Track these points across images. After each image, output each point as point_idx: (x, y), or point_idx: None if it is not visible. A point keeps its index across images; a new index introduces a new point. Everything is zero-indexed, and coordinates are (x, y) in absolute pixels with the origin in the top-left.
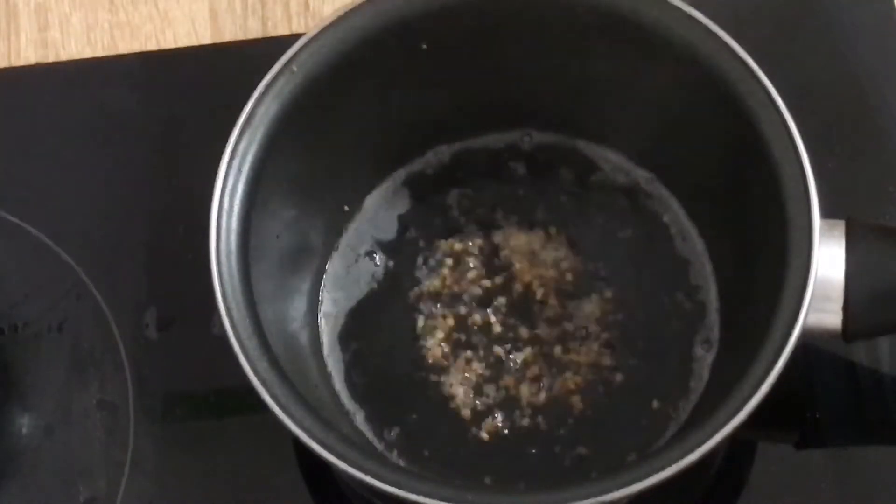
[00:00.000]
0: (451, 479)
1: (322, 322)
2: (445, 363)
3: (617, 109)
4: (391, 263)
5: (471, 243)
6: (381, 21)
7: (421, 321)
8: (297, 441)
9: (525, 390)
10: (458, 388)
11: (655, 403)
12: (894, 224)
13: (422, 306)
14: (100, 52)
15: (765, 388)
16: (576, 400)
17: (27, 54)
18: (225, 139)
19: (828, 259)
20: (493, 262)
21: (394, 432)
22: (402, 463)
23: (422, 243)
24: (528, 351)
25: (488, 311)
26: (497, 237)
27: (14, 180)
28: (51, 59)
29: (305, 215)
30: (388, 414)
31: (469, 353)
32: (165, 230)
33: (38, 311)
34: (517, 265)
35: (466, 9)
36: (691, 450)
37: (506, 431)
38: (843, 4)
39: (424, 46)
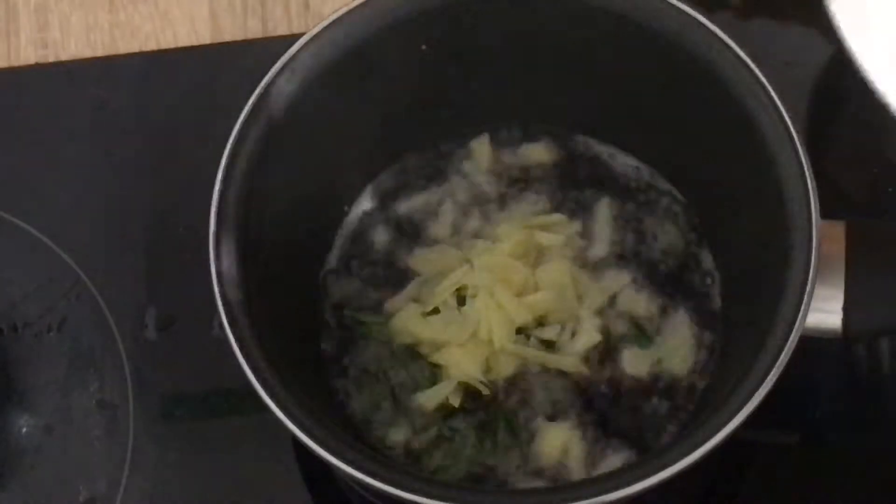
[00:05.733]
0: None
1: (322, 321)
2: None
3: (618, 108)
4: (391, 261)
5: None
6: (381, 21)
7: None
8: (297, 441)
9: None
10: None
11: (655, 403)
12: (894, 224)
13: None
14: (100, 52)
15: (765, 389)
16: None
17: (27, 54)
18: (225, 139)
19: (828, 259)
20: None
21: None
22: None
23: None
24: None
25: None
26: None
27: (14, 180)
28: (51, 59)
29: (305, 214)
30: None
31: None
32: (165, 230)
33: (38, 311)
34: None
35: (466, 9)
36: (691, 450)
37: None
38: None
39: (424, 46)
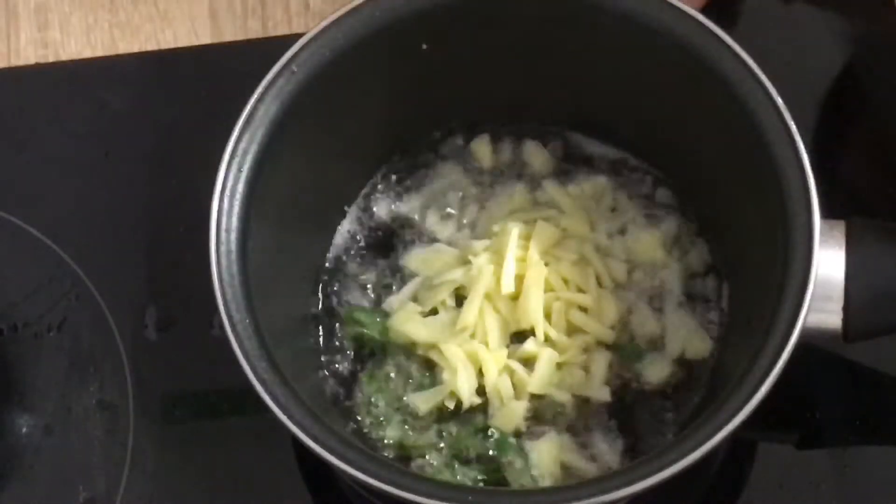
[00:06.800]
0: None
1: (321, 321)
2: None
3: (618, 108)
4: (389, 261)
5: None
6: (381, 21)
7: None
8: (297, 441)
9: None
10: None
11: (652, 402)
12: (894, 224)
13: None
14: (100, 52)
15: (765, 388)
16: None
17: (27, 54)
18: (225, 139)
19: (828, 259)
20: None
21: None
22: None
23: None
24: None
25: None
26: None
27: (14, 180)
28: (51, 59)
29: (304, 214)
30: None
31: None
32: (165, 230)
33: (38, 311)
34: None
35: (466, 9)
36: (691, 450)
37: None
38: (844, 4)
39: (424, 46)
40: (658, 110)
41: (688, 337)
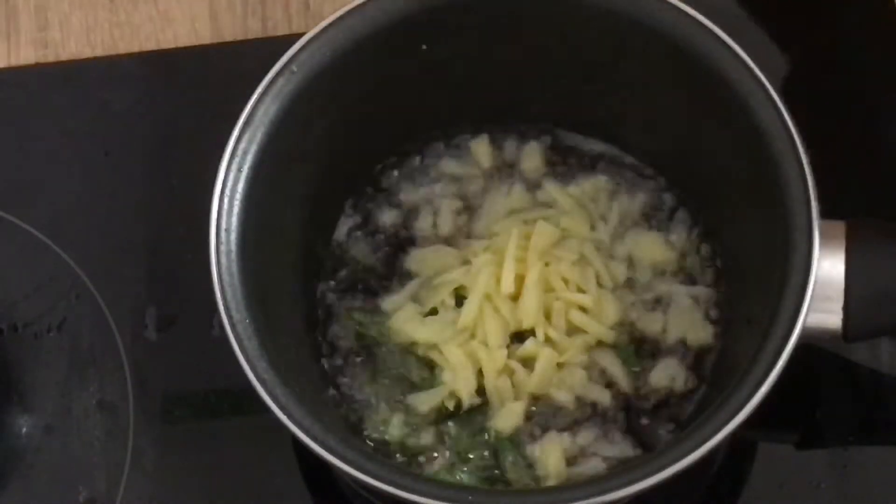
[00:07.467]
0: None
1: (321, 321)
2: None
3: (618, 108)
4: (389, 261)
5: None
6: (381, 21)
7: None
8: (297, 441)
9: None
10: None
11: (652, 402)
12: (894, 224)
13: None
14: (100, 52)
15: (765, 388)
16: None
17: (27, 54)
18: (225, 139)
19: (828, 260)
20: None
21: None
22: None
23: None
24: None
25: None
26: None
27: (14, 180)
28: (51, 59)
29: (304, 214)
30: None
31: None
32: (165, 230)
33: (38, 311)
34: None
35: (466, 9)
36: (691, 450)
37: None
38: (843, 4)
39: (424, 46)
40: (658, 110)
41: (688, 327)
